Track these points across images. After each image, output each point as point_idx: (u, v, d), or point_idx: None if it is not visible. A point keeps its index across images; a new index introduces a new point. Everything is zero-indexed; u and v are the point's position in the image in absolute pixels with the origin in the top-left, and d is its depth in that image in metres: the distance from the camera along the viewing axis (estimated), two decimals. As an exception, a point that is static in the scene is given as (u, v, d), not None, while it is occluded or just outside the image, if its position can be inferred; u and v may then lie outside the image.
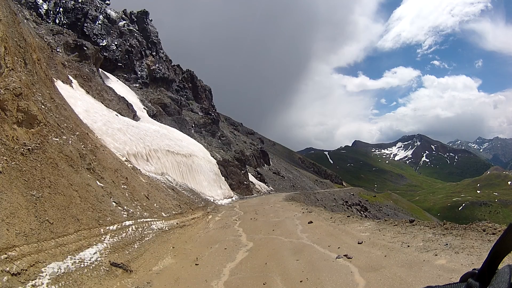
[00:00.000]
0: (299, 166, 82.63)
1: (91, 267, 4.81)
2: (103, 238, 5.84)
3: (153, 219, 8.64)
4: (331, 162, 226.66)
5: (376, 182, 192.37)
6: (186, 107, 38.35)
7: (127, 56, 34.42)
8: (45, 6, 28.91)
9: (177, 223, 9.62)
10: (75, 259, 4.71)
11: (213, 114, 41.23)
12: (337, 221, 8.78)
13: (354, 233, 6.93)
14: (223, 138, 38.22)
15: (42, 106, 7.07)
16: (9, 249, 3.83)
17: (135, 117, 22.63)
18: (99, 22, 32.53)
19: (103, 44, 31.83)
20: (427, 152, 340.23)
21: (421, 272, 4.10)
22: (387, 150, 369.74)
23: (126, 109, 22.00)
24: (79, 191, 6.36)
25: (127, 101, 23.41)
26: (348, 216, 9.45)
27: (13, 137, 5.46)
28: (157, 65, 38.02)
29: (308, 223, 8.88)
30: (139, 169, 12.95)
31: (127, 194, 8.72)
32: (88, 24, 31.44)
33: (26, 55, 7.22)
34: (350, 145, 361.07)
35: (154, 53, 38.98)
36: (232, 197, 23.20)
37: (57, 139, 6.96)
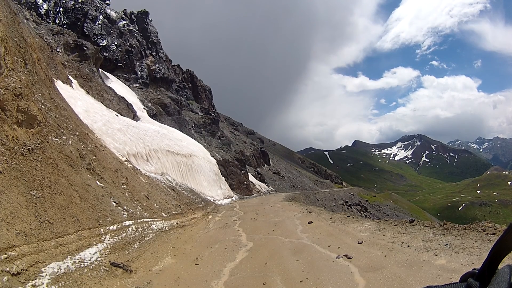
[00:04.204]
0: (299, 166, 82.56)
1: (91, 267, 4.81)
2: (103, 238, 5.83)
3: (153, 219, 8.64)
4: (331, 162, 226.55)
5: (376, 182, 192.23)
6: (186, 107, 38.35)
7: (127, 56, 34.41)
8: (45, 6, 28.90)
9: (177, 223, 9.62)
10: (75, 259, 4.71)
11: (213, 114, 41.23)
12: (337, 221, 8.77)
13: (354, 233, 6.93)
14: (223, 138, 38.22)
15: (42, 106, 7.07)
16: (9, 249, 3.83)
17: (135, 117, 22.63)
18: (99, 22, 32.52)
19: (103, 44, 31.82)
20: (427, 152, 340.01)
21: (421, 272, 4.10)
22: (387, 150, 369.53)
23: (126, 109, 22.00)
24: (79, 191, 6.36)
25: (127, 101, 23.41)
26: (348, 216, 9.45)
27: (13, 137, 5.45)
28: (157, 65, 38.02)
29: (308, 223, 8.88)
30: (139, 169, 12.95)
31: (127, 194, 8.72)
32: (88, 24, 31.43)
33: (26, 55, 7.22)
34: (350, 145, 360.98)
35: (154, 53, 38.98)
36: (232, 197, 23.19)
37: (57, 139, 6.95)
